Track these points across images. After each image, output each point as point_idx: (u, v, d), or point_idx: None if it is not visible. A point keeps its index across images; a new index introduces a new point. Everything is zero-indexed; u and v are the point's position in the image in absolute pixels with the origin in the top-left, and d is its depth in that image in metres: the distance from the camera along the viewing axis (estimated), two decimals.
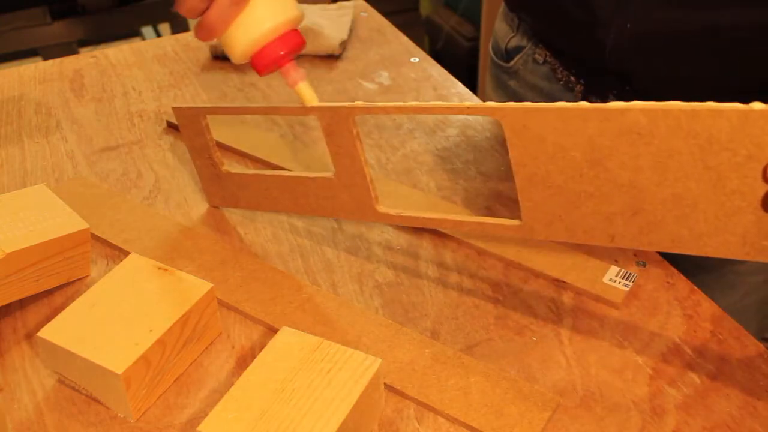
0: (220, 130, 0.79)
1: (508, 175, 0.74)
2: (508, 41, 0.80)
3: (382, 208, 0.58)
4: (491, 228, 0.55)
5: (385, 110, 0.53)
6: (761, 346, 0.56)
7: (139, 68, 0.93)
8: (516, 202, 0.70)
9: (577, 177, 0.48)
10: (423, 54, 0.95)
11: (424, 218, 0.57)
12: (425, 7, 2.50)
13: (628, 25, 0.63)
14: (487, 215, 0.68)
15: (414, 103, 0.52)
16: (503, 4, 0.82)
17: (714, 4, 0.59)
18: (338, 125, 0.56)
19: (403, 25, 1.09)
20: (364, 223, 0.68)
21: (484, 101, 0.85)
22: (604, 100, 0.70)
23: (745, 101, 0.54)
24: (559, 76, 0.74)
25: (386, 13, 1.06)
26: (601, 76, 0.70)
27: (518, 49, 0.79)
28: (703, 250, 0.46)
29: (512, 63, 0.80)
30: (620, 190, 0.47)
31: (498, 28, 0.83)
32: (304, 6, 1.02)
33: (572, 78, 0.73)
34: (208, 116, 0.64)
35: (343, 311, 0.59)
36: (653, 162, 0.44)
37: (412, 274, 0.63)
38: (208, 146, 0.65)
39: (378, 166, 0.75)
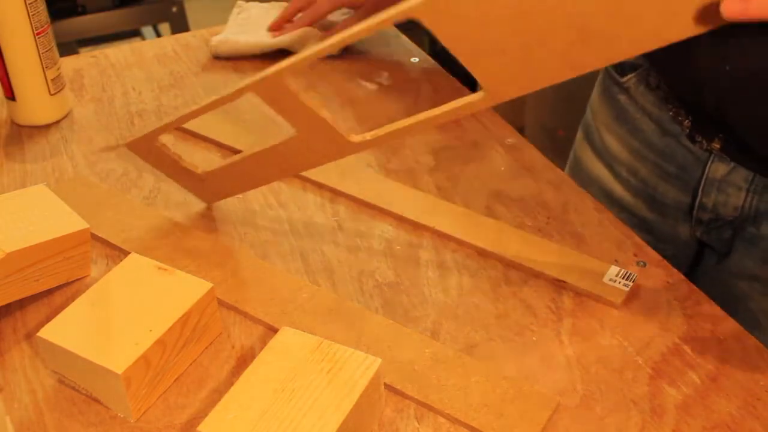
0: (220, 130, 0.79)
1: (508, 175, 0.74)
2: None
3: (355, 138, 0.58)
4: (462, 110, 0.53)
5: (305, 60, 0.52)
6: (761, 346, 0.56)
7: (139, 68, 0.93)
8: (516, 201, 0.70)
9: (515, 30, 0.46)
10: (423, 54, 0.95)
11: (395, 130, 0.56)
12: None
13: (727, 68, 0.58)
14: (487, 215, 0.68)
15: (324, 44, 0.51)
16: None
17: None
18: (276, 92, 0.56)
19: (403, 25, 1.09)
20: (364, 223, 0.68)
21: None
22: (711, 142, 0.66)
23: None
24: (670, 105, 0.70)
25: None
26: (706, 116, 0.66)
27: (634, 67, 0.74)
28: (665, 39, 0.44)
29: (625, 79, 0.75)
30: (561, 18, 0.45)
31: None
32: None
33: (682, 111, 0.69)
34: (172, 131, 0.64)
35: (343, 311, 0.59)
36: None
37: (412, 274, 0.63)
38: (175, 160, 0.65)
39: (378, 166, 0.75)
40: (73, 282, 0.62)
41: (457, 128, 0.80)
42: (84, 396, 0.53)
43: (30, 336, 0.58)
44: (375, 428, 0.51)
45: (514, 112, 1.96)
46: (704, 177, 0.69)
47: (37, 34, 0.77)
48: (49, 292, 0.61)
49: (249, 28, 0.98)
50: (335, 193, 0.71)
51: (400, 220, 0.68)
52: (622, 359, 0.55)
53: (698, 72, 0.61)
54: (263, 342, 0.57)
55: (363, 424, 0.49)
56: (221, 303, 0.59)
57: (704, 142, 0.67)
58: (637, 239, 0.65)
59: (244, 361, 0.55)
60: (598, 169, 0.80)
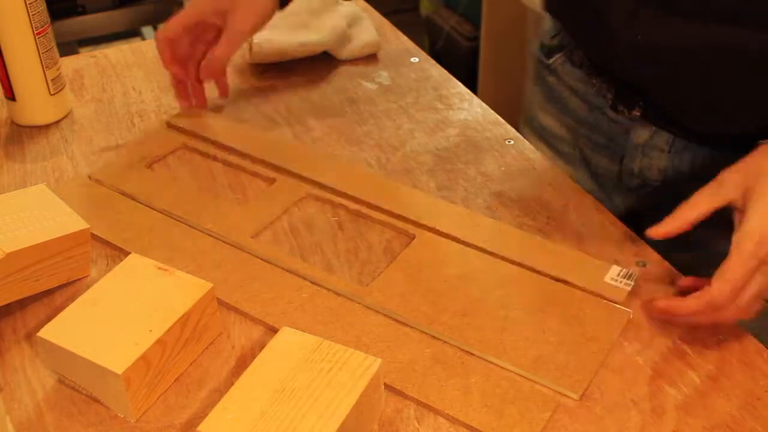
0: (220, 130, 0.79)
1: (508, 175, 0.74)
2: (551, 39, 0.80)
3: None
4: None
5: None
6: (761, 346, 0.56)
7: (139, 68, 0.93)
8: (516, 201, 0.70)
9: None
10: (423, 54, 0.95)
11: None
12: (425, 7, 2.50)
13: (639, 37, 0.63)
14: (487, 215, 0.68)
15: None
16: None
17: (723, 21, 0.58)
18: None
19: (403, 25, 1.09)
20: (364, 223, 0.68)
21: (484, 101, 0.85)
22: (632, 110, 0.70)
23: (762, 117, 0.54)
24: (594, 81, 0.74)
25: (386, 13, 1.06)
26: (625, 87, 0.70)
27: (559, 48, 0.79)
28: None
29: (551, 61, 0.80)
30: None
31: (543, 25, 0.83)
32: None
33: (604, 85, 0.73)
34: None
35: (343, 311, 0.59)
36: None
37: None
38: None
39: (378, 166, 0.75)
40: (73, 282, 0.62)
41: (456, 128, 0.80)
42: (84, 396, 0.53)
43: (30, 336, 0.58)
44: (375, 428, 0.51)
45: (514, 112, 1.95)
46: (628, 143, 0.73)
47: (37, 34, 0.77)
48: (49, 292, 0.61)
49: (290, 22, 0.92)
50: (335, 193, 0.71)
51: (400, 220, 0.68)
52: (622, 359, 0.55)
53: (615, 44, 0.65)
54: (263, 342, 0.57)
55: (363, 424, 0.49)
56: (221, 303, 0.59)
57: (626, 111, 0.71)
58: (638, 239, 0.65)
59: (244, 361, 0.55)
60: (542, 151, 0.83)
